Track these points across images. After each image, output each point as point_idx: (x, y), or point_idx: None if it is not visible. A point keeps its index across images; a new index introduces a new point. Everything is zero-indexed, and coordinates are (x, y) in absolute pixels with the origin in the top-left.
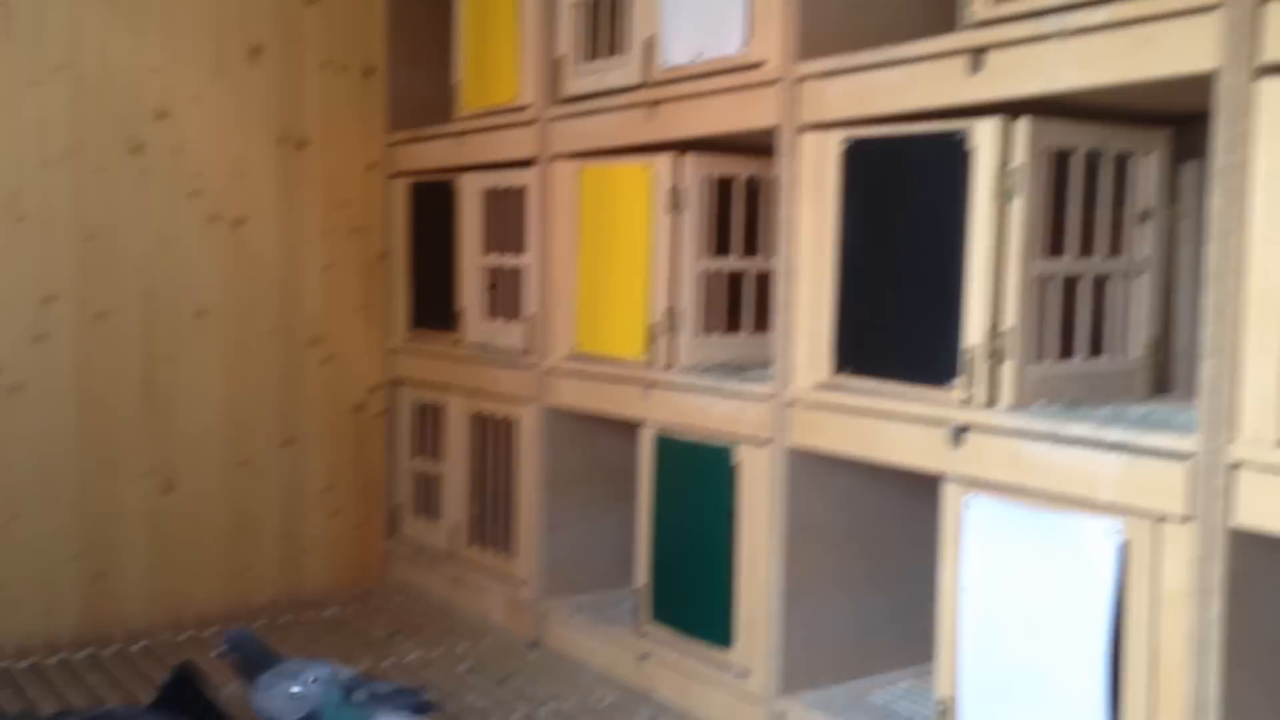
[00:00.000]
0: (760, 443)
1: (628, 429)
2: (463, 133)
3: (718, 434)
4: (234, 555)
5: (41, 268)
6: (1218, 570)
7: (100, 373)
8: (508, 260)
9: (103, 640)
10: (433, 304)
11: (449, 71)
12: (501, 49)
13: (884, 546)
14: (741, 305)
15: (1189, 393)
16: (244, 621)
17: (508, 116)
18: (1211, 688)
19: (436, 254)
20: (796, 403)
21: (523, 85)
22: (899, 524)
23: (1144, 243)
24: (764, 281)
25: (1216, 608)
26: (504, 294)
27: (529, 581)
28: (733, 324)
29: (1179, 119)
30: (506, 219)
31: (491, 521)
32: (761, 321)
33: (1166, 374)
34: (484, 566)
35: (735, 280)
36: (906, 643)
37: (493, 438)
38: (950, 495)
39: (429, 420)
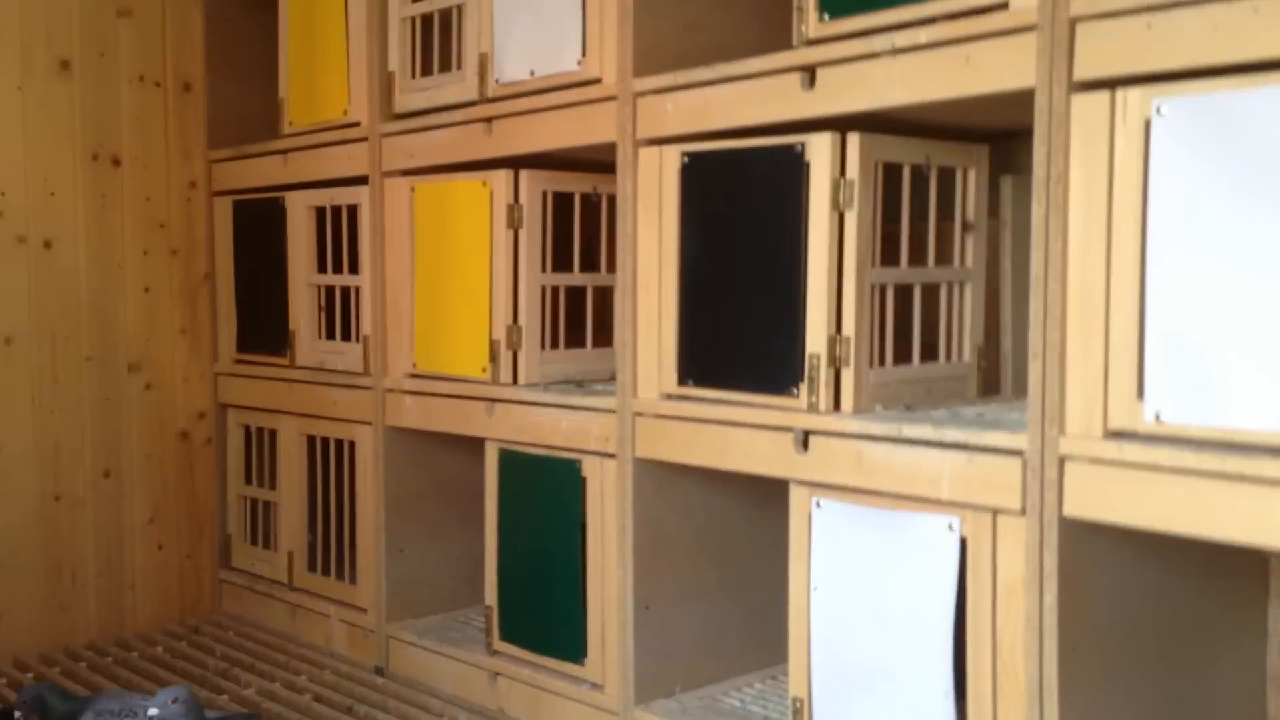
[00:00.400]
0: (607, 455)
1: (471, 447)
2: (290, 150)
3: (564, 448)
4: (52, 594)
5: None
6: (1051, 559)
7: None
8: (341, 280)
9: None
10: (262, 326)
11: (272, 87)
12: (329, 64)
13: (733, 553)
14: (584, 320)
15: (1016, 393)
16: (67, 660)
17: (338, 133)
18: (1049, 671)
19: (265, 274)
20: (643, 414)
21: (353, 101)
22: (747, 531)
23: (969, 253)
24: (605, 296)
25: (1051, 595)
26: (339, 314)
27: (372, 607)
28: (575, 339)
29: (998, 135)
30: (338, 237)
31: (330, 547)
32: (603, 336)
33: (995, 376)
34: (324, 594)
35: (576, 295)
36: (757, 647)
37: (329, 461)
38: (798, 499)
39: (261, 446)
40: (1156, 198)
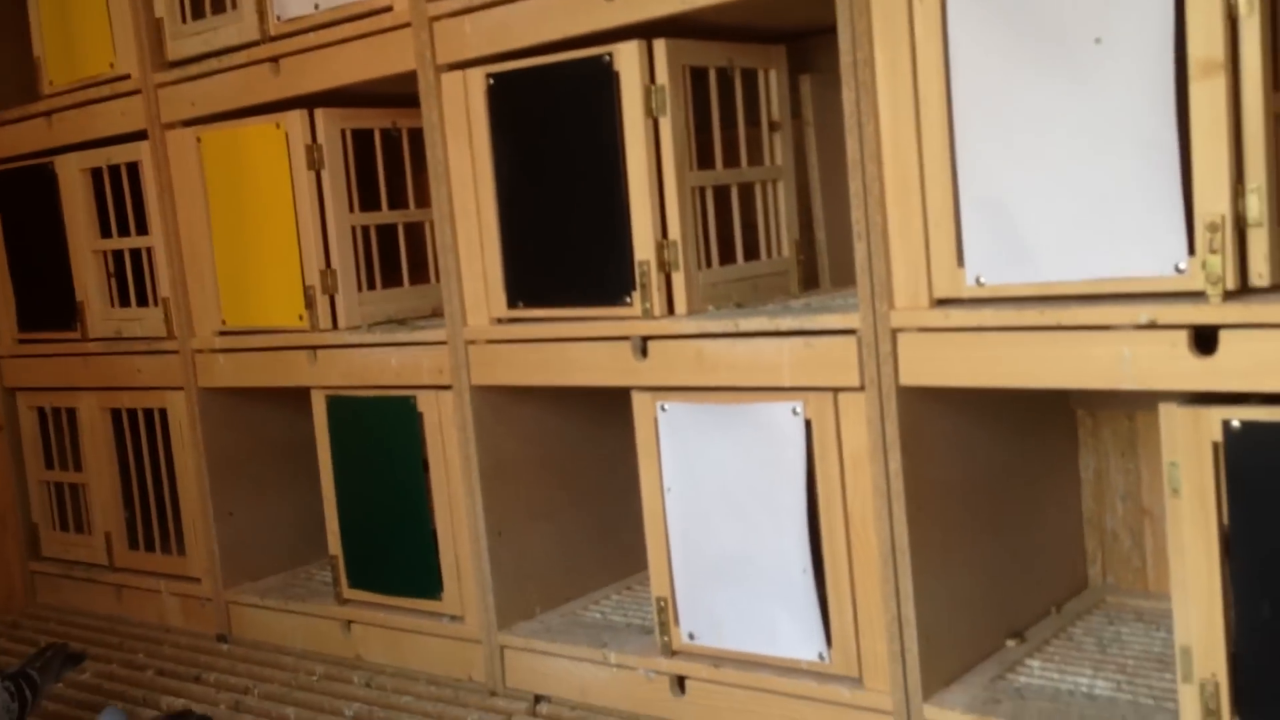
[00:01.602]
0: (442, 388)
1: (293, 401)
2: (53, 110)
3: (396, 386)
4: None
5: None
6: (892, 428)
7: None
8: (130, 242)
9: None
10: (45, 301)
11: (24, 47)
12: (88, 15)
13: (578, 472)
14: (399, 259)
15: (835, 284)
16: None
17: (106, 88)
18: (900, 533)
19: (41, 246)
20: (475, 342)
21: (119, 52)
22: (589, 448)
23: (778, 151)
24: (416, 233)
25: (895, 461)
26: (132, 279)
27: (205, 575)
28: (391, 279)
29: (794, 36)
30: (120, 198)
31: (151, 522)
32: (420, 274)
33: (814, 270)
34: (150, 570)
35: (388, 234)
36: (611, 560)
37: (139, 433)
38: (642, 405)
39: (59, 427)
40: (957, 72)
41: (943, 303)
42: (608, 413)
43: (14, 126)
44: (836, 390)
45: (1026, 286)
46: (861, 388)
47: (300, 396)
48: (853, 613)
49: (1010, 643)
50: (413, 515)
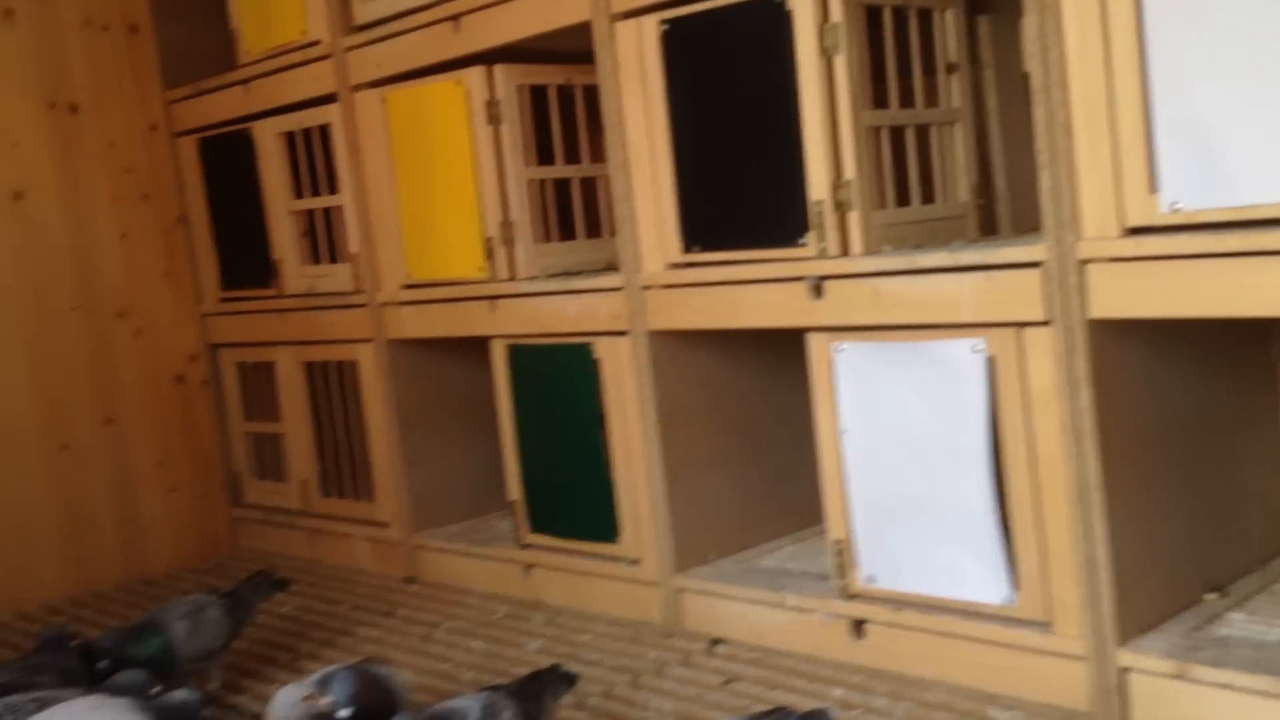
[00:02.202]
0: (618, 334)
1: (472, 356)
2: (250, 79)
3: (573, 334)
4: (70, 543)
5: None
6: (1081, 363)
7: None
8: (321, 202)
9: None
10: (245, 260)
11: (222, 21)
12: None
13: (750, 421)
14: (573, 213)
15: (1015, 231)
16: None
17: (298, 54)
18: (1091, 472)
19: (242, 208)
20: (650, 287)
21: (310, 19)
22: (761, 398)
23: (954, 93)
24: (591, 187)
25: (1086, 398)
26: (324, 237)
27: (394, 520)
28: (566, 233)
29: None
30: (312, 160)
31: (343, 470)
32: (594, 228)
33: (992, 217)
34: (343, 516)
35: (563, 189)
36: (784, 512)
37: (331, 385)
38: (817, 347)
39: (258, 380)
40: None
41: (1134, 231)
42: (779, 362)
43: (215, 95)
44: (1020, 325)
45: (1227, 211)
46: (1047, 322)
47: (481, 350)
48: (1040, 555)
49: (1209, 596)
50: (591, 461)
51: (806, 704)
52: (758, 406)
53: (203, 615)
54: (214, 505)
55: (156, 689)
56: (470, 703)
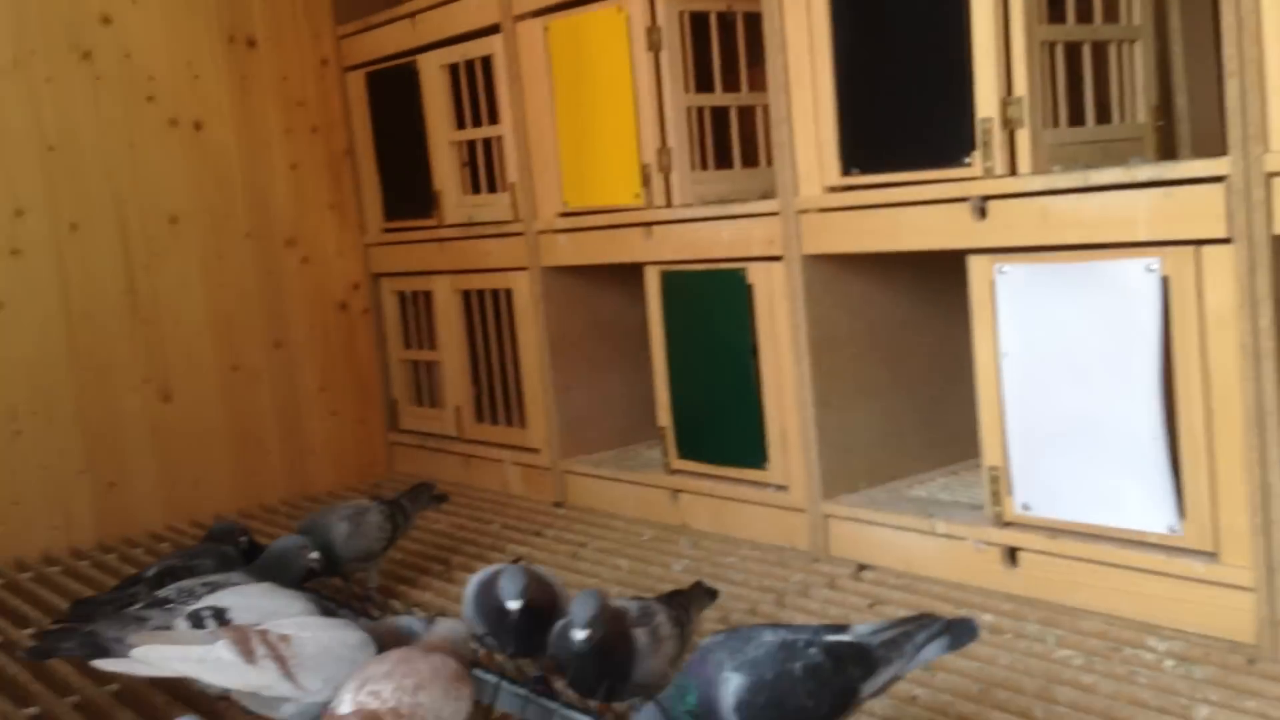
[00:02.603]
0: (773, 259)
1: (625, 284)
2: (417, 12)
3: (727, 259)
4: (239, 459)
5: (5, 181)
6: (1264, 282)
7: (82, 285)
8: (482, 132)
9: (126, 545)
10: (407, 191)
11: None
12: None
13: (904, 351)
14: (730, 142)
15: (1197, 154)
16: (260, 519)
17: None
18: (1268, 397)
19: (405, 140)
20: (807, 211)
21: None
22: (916, 328)
23: (1135, 10)
24: (748, 117)
25: (1266, 318)
26: (483, 167)
27: (544, 446)
28: (722, 161)
29: None
30: (475, 91)
31: (496, 397)
32: (750, 158)
33: (1172, 140)
34: (495, 441)
35: (720, 118)
36: (935, 445)
37: (486, 313)
38: (978, 269)
39: (417, 309)
40: None
41: None
42: (936, 293)
43: (383, 29)
44: (1199, 244)
45: None
46: (1229, 239)
47: (633, 278)
48: (1209, 483)
49: None
50: (741, 387)
51: None
52: (912, 337)
53: (363, 519)
54: (372, 430)
55: (313, 555)
56: (628, 603)
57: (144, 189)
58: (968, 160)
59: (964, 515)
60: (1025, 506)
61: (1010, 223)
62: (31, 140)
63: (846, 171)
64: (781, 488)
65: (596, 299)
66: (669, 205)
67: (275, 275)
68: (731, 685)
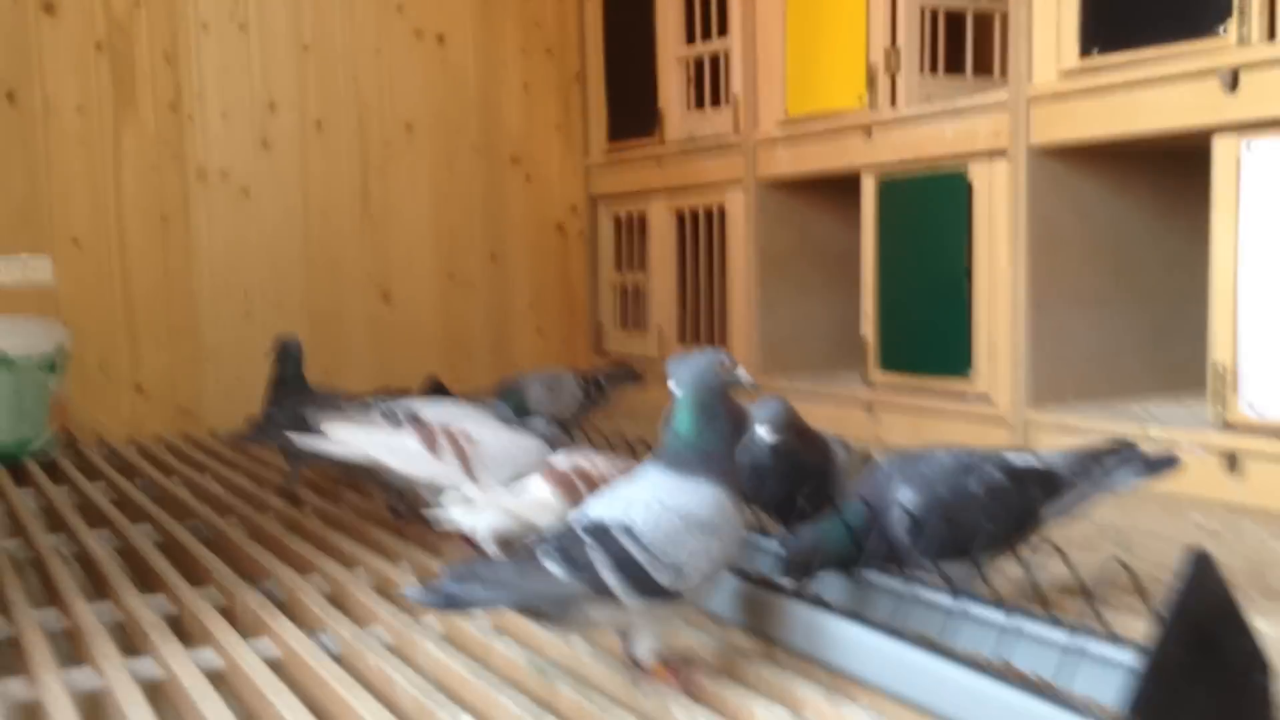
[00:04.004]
0: (996, 154)
1: (839, 204)
2: None
3: (949, 159)
4: (449, 364)
5: (262, 75)
6: None
7: (321, 181)
8: (710, 46)
9: None
10: (632, 110)
11: None
12: None
13: (1132, 261)
14: (963, 48)
15: None
16: None
17: None
18: None
19: (634, 58)
20: (1038, 98)
21: None
22: (1148, 239)
23: None
24: (985, 25)
25: None
26: (709, 82)
27: (745, 363)
28: (954, 66)
29: None
30: (708, 2)
31: (700, 318)
32: (984, 64)
33: None
34: None
35: (955, 24)
36: (1158, 368)
37: (699, 232)
38: (1223, 150)
39: (630, 234)
40: None
41: None
42: (1177, 199)
43: None
44: None
45: None
46: None
47: (848, 199)
48: None
49: None
50: (951, 292)
51: (1167, 528)
52: (1147, 248)
53: (559, 383)
54: (576, 351)
55: None
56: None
57: (385, 95)
58: (1221, 29)
59: (1182, 419)
60: (1251, 407)
61: (1264, 94)
62: (289, 39)
63: (1086, 52)
64: (983, 396)
65: (808, 218)
66: (893, 107)
67: (498, 191)
68: (902, 500)
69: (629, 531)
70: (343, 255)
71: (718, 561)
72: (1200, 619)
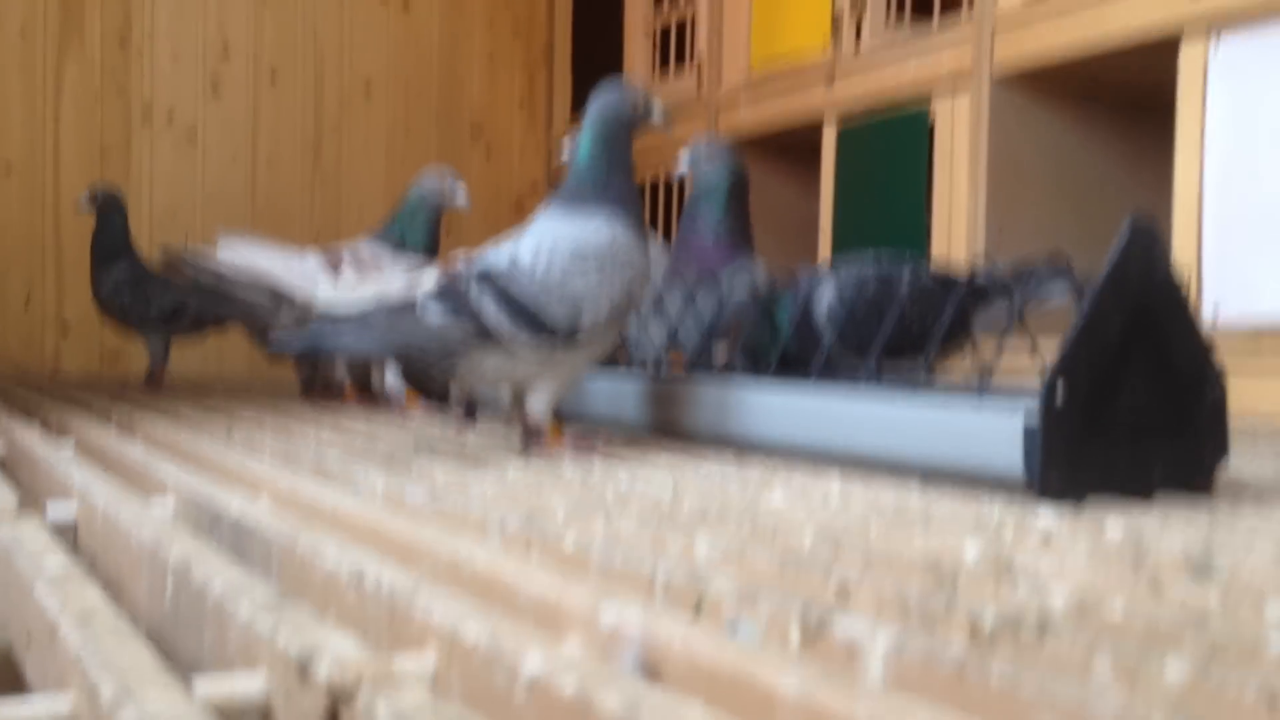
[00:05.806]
0: (960, 87)
1: (800, 168)
2: None
3: (910, 99)
4: None
5: (218, 17)
6: None
7: (271, 132)
8: (677, 12)
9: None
10: (596, 81)
11: None
12: None
13: (1093, 195)
14: None
15: None
16: None
17: None
18: None
19: (602, 32)
20: (1004, 20)
21: None
22: (1114, 188)
23: None
24: None
25: None
26: (674, 49)
27: None
28: (921, 8)
29: None
30: None
31: None
32: (951, 10)
33: None
34: None
35: None
36: None
37: (659, 203)
38: (1190, 53)
39: None
40: None
41: None
42: (1136, 137)
43: None
44: None
45: None
46: None
47: (809, 160)
48: None
49: None
50: (910, 230)
51: None
52: (1112, 196)
53: None
54: None
55: None
56: None
57: (345, 51)
58: None
59: None
60: (1216, 308)
61: None
62: None
63: None
64: None
65: (767, 185)
66: (856, 55)
67: (454, 160)
68: (826, 289)
69: (515, 269)
70: (291, 209)
71: (619, 299)
72: (1139, 296)
